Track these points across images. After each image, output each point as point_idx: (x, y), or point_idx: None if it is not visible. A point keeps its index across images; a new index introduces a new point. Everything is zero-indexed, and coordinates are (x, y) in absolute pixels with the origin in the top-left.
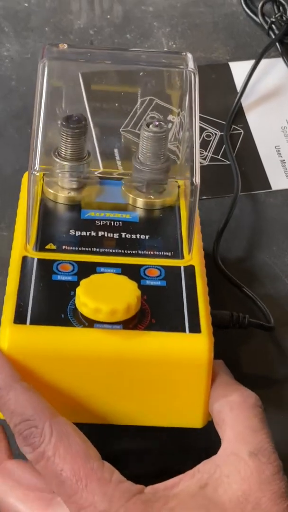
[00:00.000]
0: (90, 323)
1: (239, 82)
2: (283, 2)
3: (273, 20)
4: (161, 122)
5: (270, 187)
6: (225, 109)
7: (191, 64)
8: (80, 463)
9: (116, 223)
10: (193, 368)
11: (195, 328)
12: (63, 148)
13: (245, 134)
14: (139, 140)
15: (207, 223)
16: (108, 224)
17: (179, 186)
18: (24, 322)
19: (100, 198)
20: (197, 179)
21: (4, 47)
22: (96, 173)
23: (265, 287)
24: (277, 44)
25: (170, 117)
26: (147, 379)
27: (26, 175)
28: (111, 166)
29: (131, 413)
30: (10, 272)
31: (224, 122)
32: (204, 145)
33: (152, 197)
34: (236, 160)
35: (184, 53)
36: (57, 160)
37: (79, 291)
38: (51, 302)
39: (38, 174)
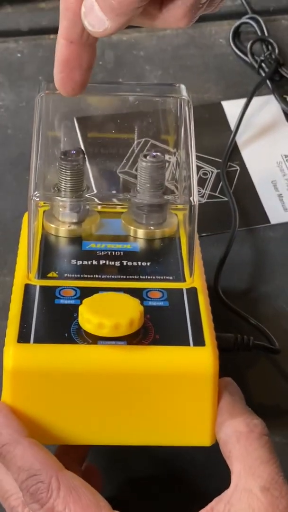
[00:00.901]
0: (93, 340)
1: (232, 120)
2: (272, 41)
3: (263, 59)
4: (158, 153)
5: (268, 221)
6: (220, 147)
7: (184, 93)
8: None
9: (117, 253)
10: (198, 381)
11: (199, 341)
12: (62, 182)
13: (242, 171)
14: (136, 181)
15: (208, 259)
16: (109, 254)
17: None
18: (28, 341)
19: (101, 231)
20: (194, 199)
21: None
22: (92, 197)
23: (268, 319)
24: (267, 81)
25: (166, 157)
26: (153, 394)
27: (26, 214)
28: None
29: (138, 432)
30: (13, 299)
31: (220, 160)
32: (201, 183)
33: (152, 228)
34: (234, 196)
35: (177, 85)
36: (57, 195)
37: (82, 308)
38: (55, 323)
39: (38, 199)
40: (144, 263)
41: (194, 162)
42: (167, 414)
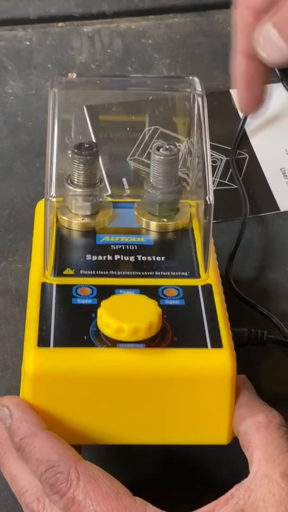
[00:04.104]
0: (112, 343)
1: None
2: None
3: None
4: (171, 146)
5: (278, 209)
6: (229, 135)
7: (198, 87)
8: (112, 502)
9: (131, 247)
10: (216, 383)
11: (216, 343)
12: (75, 175)
13: (251, 158)
14: (146, 169)
15: (218, 247)
16: (123, 248)
17: (191, 208)
18: (47, 345)
19: (114, 223)
20: (210, 198)
21: (8, 84)
22: (107, 197)
23: (280, 306)
24: (276, 70)
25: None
26: (171, 396)
27: (39, 204)
28: (121, 194)
29: (157, 432)
30: (30, 298)
31: (229, 148)
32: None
33: (165, 220)
34: (243, 184)
35: (190, 77)
36: (70, 187)
37: (100, 311)
38: (73, 325)
39: (54, 200)
40: (158, 258)
41: (209, 159)
42: (185, 414)
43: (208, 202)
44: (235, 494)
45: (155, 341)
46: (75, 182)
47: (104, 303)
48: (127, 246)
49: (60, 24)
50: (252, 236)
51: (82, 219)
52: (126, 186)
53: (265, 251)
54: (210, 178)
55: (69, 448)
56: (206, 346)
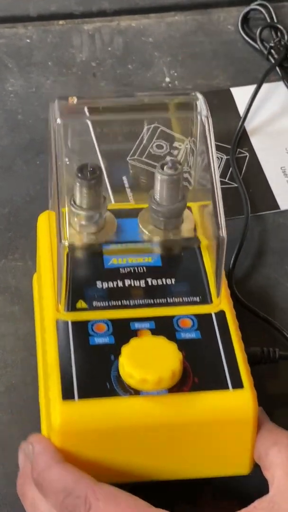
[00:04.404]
0: (136, 390)
1: (241, 107)
2: (281, 27)
3: (272, 45)
4: (176, 163)
5: (278, 208)
6: (229, 134)
7: (202, 107)
8: None
9: (140, 269)
10: (240, 424)
11: (237, 383)
12: (78, 198)
13: (251, 157)
14: (147, 167)
15: None
16: (132, 271)
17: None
18: (72, 397)
19: (119, 238)
20: (223, 232)
21: (9, 82)
22: (110, 211)
23: (280, 306)
24: (277, 68)
25: (176, 144)
26: (196, 437)
27: (41, 216)
28: (121, 195)
29: (182, 469)
30: (47, 339)
31: (229, 146)
32: None
33: (171, 235)
34: (243, 183)
35: (193, 93)
36: (73, 209)
37: (122, 360)
38: (94, 371)
39: (67, 243)
40: (168, 281)
41: (219, 189)
42: (209, 452)
43: (221, 236)
44: (258, 506)
45: (177, 384)
46: (78, 204)
47: (124, 349)
48: (136, 269)
49: (60, 22)
50: (252, 235)
51: (88, 238)
52: (126, 185)
53: (265, 251)
54: (221, 213)
55: (84, 475)
56: (227, 387)
